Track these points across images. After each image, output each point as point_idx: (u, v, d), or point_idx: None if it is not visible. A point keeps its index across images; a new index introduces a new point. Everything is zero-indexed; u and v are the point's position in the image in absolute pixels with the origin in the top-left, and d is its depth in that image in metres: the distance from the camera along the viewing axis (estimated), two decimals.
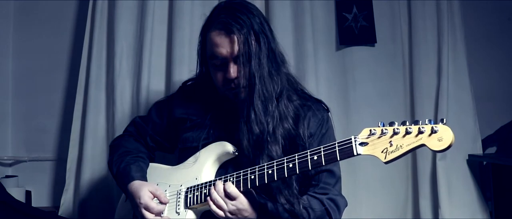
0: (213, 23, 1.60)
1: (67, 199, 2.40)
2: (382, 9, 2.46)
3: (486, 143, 2.57)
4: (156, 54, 2.36)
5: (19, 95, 2.66)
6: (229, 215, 1.50)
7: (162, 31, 2.38)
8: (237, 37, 1.54)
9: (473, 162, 2.44)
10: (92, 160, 2.36)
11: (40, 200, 2.60)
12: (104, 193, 2.35)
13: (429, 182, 2.39)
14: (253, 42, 1.55)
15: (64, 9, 2.63)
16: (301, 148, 1.57)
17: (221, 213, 1.50)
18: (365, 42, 2.45)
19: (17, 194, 2.35)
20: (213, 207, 1.51)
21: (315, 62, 2.36)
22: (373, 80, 2.45)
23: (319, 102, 1.74)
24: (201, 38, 1.67)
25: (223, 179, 1.54)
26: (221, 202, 1.50)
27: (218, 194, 1.50)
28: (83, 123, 2.39)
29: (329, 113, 1.74)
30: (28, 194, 2.55)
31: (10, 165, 2.66)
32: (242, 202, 1.49)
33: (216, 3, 2.38)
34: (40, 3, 2.65)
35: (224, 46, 1.56)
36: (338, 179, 1.67)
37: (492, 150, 2.62)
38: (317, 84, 2.33)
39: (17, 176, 2.56)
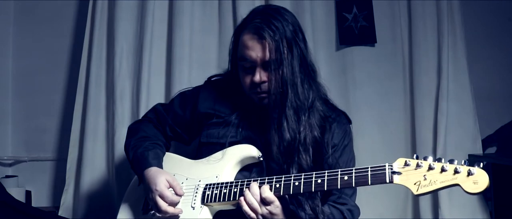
0: (247, 25, 1.61)
1: (67, 199, 2.40)
2: (382, 9, 2.46)
3: (486, 143, 2.57)
4: (156, 54, 2.36)
5: (19, 95, 2.66)
6: (260, 218, 1.49)
7: (162, 31, 2.38)
8: (268, 43, 1.55)
9: (473, 162, 2.43)
10: (92, 160, 2.36)
11: (40, 200, 2.60)
12: (104, 193, 2.36)
13: None
14: (285, 50, 1.56)
15: (64, 9, 2.63)
16: (324, 157, 1.59)
17: (253, 215, 1.49)
18: (365, 42, 2.44)
19: (17, 194, 2.35)
20: (246, 208, 1.49)
21: (315, 62, 2.36)
22: (373, 80, 2.45)
23: (343, 113, 1.76)
24: (233, 39, 1.69)
25: (259, 182, 1.52)
26: (256, 204, 1.48)
27: (253, 196, 1.49)
28: (83, 123, 2.39)
29: (351, 125, 1.76)
30: (28, 194, 2.55)
31: (10, 165, 2.66)
32: (277, 207, 1.49)
33: (216, 3, 2.39)
34: (40, 3, 2.65)
35: (255, 50, 1.58)
36: (355, 190, 1.70)
37: (492, 150, 2.62)
38: None
39: (17, 176, 2.56)
